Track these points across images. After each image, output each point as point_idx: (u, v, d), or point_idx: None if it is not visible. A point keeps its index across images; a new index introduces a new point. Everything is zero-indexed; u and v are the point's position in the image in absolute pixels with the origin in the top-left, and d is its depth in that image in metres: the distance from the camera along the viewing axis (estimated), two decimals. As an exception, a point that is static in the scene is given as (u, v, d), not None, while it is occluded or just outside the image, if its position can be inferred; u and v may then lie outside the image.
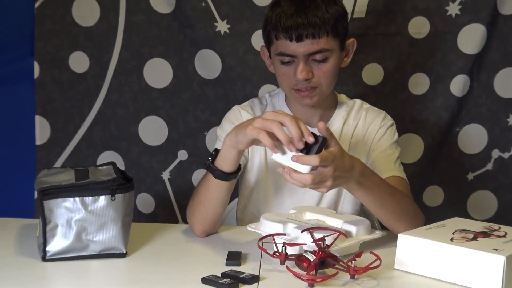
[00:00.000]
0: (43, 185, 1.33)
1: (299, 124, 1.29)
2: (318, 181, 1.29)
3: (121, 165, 2.14)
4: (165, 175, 2.17)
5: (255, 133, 1.31)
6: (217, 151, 1.46)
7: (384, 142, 1.68)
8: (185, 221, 2.14)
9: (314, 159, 1.26)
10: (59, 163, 2.15)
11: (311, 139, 1.28)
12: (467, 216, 2.18)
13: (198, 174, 2.16)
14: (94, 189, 1.32)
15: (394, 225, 1.50)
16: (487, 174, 2.17)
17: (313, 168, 1.28)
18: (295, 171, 1.28)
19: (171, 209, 2.20)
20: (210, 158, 1.46)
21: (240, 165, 1.47)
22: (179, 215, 2.20)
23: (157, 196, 2.18)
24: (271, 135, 1.30)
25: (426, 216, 1.59)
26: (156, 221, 2.19)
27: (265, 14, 1.62)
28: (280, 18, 1.55)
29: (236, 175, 1.47)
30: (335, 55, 1.58)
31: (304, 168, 1.28)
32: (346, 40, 1.63)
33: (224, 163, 1.44)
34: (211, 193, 1.50)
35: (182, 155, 2.17)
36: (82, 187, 1.32)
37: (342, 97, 1.76)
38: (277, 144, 1.31)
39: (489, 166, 2.17)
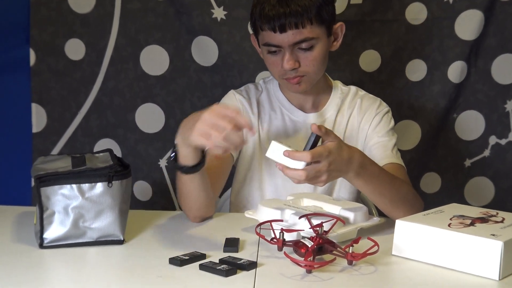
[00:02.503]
0: (40, 172, 1.33)
1: (229, 112, 1.27)
2: (313, 176, 1.29)
3: (118, 153, 2.14)
4: (162, 163, 2.17)
5: (202, 142, 1.27)
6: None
7: (380, 129, 1.67)
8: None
9: (306, 155, 1.26)
10: (55, 150, 2.15)
11: (307, 158, 1.27)
12: (464, 202, 2.17)
13: (195, 162, 2.16)
14: (91, 176, 1.32)
15: (393, 213, 1.50)
16: (484, 160, 2.18)
17: (308, 164, 1.28)
18: (289, 168, 1.28)
19: (168, 197, 2.19)
20: (172, 156, 1.42)
21: (204, 152, 1.40)
22: (176, 202, 2.19)
23: (154, 184, 2.17)
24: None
25: (421, 199, 1.59)
26: (153, 208, 2.18)
27: (252, 4, 1.62)
28: (263, 8, 1.55)
29: (203, 164, 1.41)
30: (321, 42, 1.58)
31: (297, 164, 1.28)
32: (334, 24, 1.62)
33: (185, 159, 1.39)
34: (187, 186, 1.47)
35: (179, 142, 2.16)
36: (79, 174, 1.32)
37: (337, 83, 1.76)
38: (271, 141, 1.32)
39: (486, 152, 2.17)
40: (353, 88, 1.75)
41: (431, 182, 2.19)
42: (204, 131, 1.26)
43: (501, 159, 2.17)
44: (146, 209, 2.13)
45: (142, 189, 2.17)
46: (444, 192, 2.19)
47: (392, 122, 1.71)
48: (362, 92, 1.75)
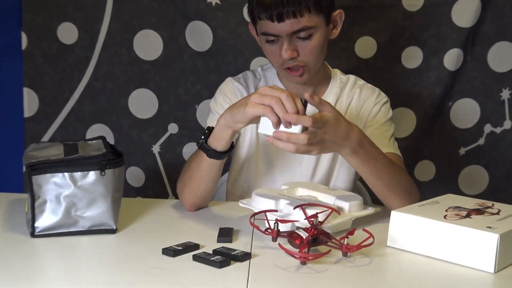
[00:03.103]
0: (31, 160, 1.31)
1: (295, 102, 1.28)
2: (309, 143, 1.28)
3: (110, 139, 2.13)
4: (155, 149, 2.15)
5: (259, 110, 1.30)
6: (210, 129, 1.44)
7: (378, 119, 1.66)
8: (175, 195, 2.13)
9: (307, 119, 1.26)
10: (47, 135, 2.13)
11: (308, 122, 1.26)
12: (458, 191, 2.18)
13: (188, 148, 2.14)
14: (83, 164, 1.30)
15: (388, 199, 1.49)
16: (479, 149, 2.17)
17: (303, 130, 1.28)
18: (285, 134, 1.27)
19: (161, 183, 2.18)
20: (203, 137, 1.44)
21: (233, 143, 1.45)
22: (169, 188, 2.18)
23: (147, 170, 2.16)
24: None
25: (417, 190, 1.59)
26: (146, 194, 2.17)
27: None
28: None
29: (228, 153, 1.45)
30: (320, 30, 1.55)
31: (295, 130, 1.27)
32: (333, 12, 1.60)
33: (218, 142, 1.42)
34: (202, 171, 1.48)
35: (173, 128, 2.14)
36: (71, 162, 1.30)
37: (336, 71, 1.74)
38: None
39: (481, 141, 2.16)
40: (352, 77, 1.74)
41: (426, 170, 2.18)
42: (260, 100, 1.30)
43: (496, 148, 2.16)
44: (138, 195, 2.14)
45: (135, 175, 2.16)
46: (438, 180, 2.18)
47: (391, 113, 1.70)
48: (361, 82, 1.74)
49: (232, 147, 1.46)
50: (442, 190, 2.15)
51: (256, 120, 1.34)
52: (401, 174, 1.52)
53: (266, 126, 1.31)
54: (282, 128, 1.28)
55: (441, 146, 2.17)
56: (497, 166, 2.17)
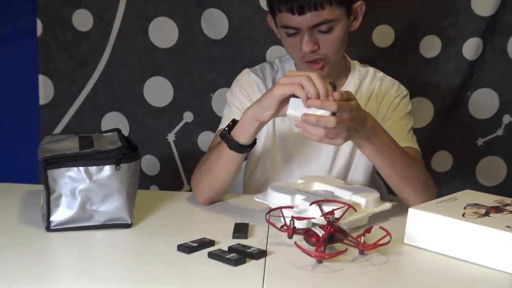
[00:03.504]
0: (47, 153, 1.30)
1: (325, 82, 1.28)
2: (338, 129, 1.27)
3: (125, 126, 2.12)
4: (170, 137, 2.15)
5: (287, 88, 1.30)
6: (234, 121, 1.43)
7: (398, 112, 1.64)
8: (190, 184, 2.14)
9: (332, 104, 1.25)
10: (63, 123, 2.12)
11: (336, 95, 1.27)
12: (475, 182, 2.16)
13: (204, 137, 2.13)
14: (98, 159, 1.29)
15: (403, 191, 1.47)
16: (497, 139, 2.14)
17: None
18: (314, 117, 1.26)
19: (176, 172, 2.17)
20: (226, 128, 1.42)
21: (255, 139, 1.43)
22: (184, 177, 2.18)
23: (162, 158, 2.15)
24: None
25: (434, 181, 1.56)
26: (160, 183, 2.17)
27: None
28: None
29: (250, 148, 1.44)
30: (341, 23, 1.53)
31: (324, 113, 1.27)
32: (354, 3, 1.57)
33: (242, 135, 1.40)
34: (222, 163, 1.47)
35: (188, 116, 2.13)
36: (86, 156, 1.29)
37: (355, 63, 1.71)
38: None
39: (500, 131, 2.14)
40: (371, 69, 1.71)
41: (443, 160, 2.16)
42: (288, 80, 1.31)
43: (515, 139, 2.14)
44: (153, 184, 2.14)
45: (150, 164, 2.15)
46: (456, 171, 2.16)
47: (410, 106, 1.67)
48: (380, 74, 1.71)
49: (255, 143, 1.44)
50: (459, 181, 2.15)
51: (283, 107, 1.34)
52: (416, 166, 1.50)
53: (295, 107, 1.31)
54: (311, 111, 1.27)
55: (458, 137, 2.14)
56: (516, 157, 2.15)
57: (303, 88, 1.29)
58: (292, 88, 1.29)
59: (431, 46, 2.07)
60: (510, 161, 2.15)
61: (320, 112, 1.27)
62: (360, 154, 1.57)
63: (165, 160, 2.16)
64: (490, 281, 1.13)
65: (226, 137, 1.42)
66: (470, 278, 1.14)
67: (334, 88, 1.31)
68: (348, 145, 1.63)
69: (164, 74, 2.10)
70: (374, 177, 1.77)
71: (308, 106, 1.28)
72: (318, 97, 1.28)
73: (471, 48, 2.05)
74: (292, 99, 1.32)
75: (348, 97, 1.30)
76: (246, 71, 1.72)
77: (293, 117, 1.32)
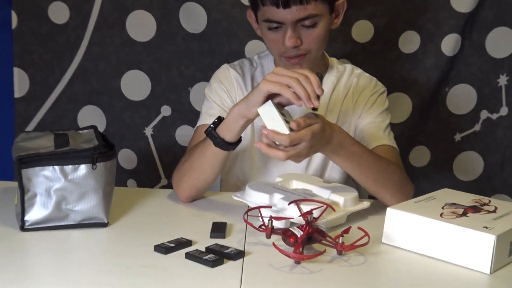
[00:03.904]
0: (21, 151, 1.28)
1: (311, 81, 1.28)
2: (293, 156, 1.27)
3: (102, 121, 2.10)
4: (148, 131, 2.13)
5: (274, 87, 1.28)
6: (220, 118, 1.41)
7: (374, 110, 1.63)
8: (168, 178, 2.13)
9: (285, 138, 1.25)
10: (38, 116, 2.10)
11: (293, 125, 1.26)
12: (453, 177, 2.17)
13: (181, 131, 2.12)
14: (74, 158, 1.27)
15: (378, 193, 1.48)
16: (475, 135, 2.15)
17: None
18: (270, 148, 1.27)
19: (153, 166, 2.16)
20: (212, 125, 1.41)
21: (241, 136, 1.42)
22: (162, 171, 2.16)
23: (139, 152, 2.14)
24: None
25: (411, 177, 1.57)
26: (138, 177, 2.15)
27: None
28: None
29: (235, 146, 1.42)
30: (324, 19, 1.52)
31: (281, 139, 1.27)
32: (336, 1, 1.56)
33: (228, 132, 1.39)
34: (206, 160, 1.45)
35: (166, 110, 2.11)
36: (62, 155, 1.27)
37: (333, 60, 1.70)
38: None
39: (477, 127, 2.15)
40: (348, 66, 1.70)
41: (421, 155, 2.17)
42: (276, 79, 1.29)
43: (492, 134, 2.15)
44: (131, 178, 2.11)
45: (127, 158, 2.13)
46: (433, 166, 2.17)
47: (387, 103, 1.67)
48: (358, 71, 1.70)
49: (240, 140, 1.43)
50: (437, 176, 2.16)
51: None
52: (390, 168, 1.49)
53: (266, 112, 1.30)
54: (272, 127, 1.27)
55: (436, 132, 2.15)
56: (493, 153, 2.16)
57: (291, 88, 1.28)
58: (279, 88, 1.28)
59: (410, 42, 2.07)
60: (487, 156, 2.17)
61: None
62: None
63: (142, 154, 2.14)
64: (467, 281, 1.13)
65: (211, 134, 1.40)
66: (448, 278, 1.14)
67: (321, 78, 1.31)
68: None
69: (142, 68, 2.08)
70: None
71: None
72: (308, 98, 1.27)
73: (450, 44, 2.05)
74: (269, 102, 1.30)
75: (310, 123, 1.28)
76: (225, 67, 1.70)
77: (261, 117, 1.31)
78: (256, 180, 1.66)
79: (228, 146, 1.41)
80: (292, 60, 1.54)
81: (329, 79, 1.67)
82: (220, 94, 1.65)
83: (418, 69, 2.08)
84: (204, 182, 1.49)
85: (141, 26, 2.05)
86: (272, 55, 1.64)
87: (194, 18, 2.03)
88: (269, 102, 1.30)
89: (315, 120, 1.29)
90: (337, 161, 1.41)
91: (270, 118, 1.28)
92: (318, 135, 1.28)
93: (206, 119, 1.62)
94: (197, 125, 1.66)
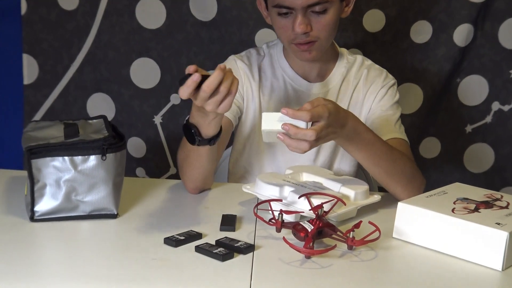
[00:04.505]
0: (31, 141, 1.27)
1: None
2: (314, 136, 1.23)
3: (111, 108, 2.09)
4: (157, 119, 2.12)
5: (188, 90, 1.18)
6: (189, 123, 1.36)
7: (385, 102, 1.62)
8: (177, 166, 2.11)
9: (305, 114, 1.21)
10: (47, 103, 2.09)
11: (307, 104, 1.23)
12: (463, 169, 2.15)
13: (191, 119, 2.10)
14: (84, 148, 1.26)
15: (389, 185, 1.46)
16: (486, 126, 2.14)
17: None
18: (294, 129, 1.22)
19: (162, 154, 2.15)
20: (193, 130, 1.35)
21: (221, 127, 1.36)
22: (171, 160, 2.15)
23: (148, 141, 2.13)
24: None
25: (421, 168, 1.56)
26: (147, 165, 2.15)
27: None
28: None
29: (218, 138, 1.36)
30: (335, 6, 1.50)
31: (301, 123, 1.23)
32: None
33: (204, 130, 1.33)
34: (195, 157, 1.43)
35: (175, 99, 2.10)
36: (72, 146, 1.26)
37: (343, 51, 1.69)
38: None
39: (488, 118, 2.13)
40: (359, 57, 1.69)
41: (431, 147, 2.15)
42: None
43: (503, 126, 2.13)
44: (139, 166, 2.11)
45: (136, 146, 2.13)
46: (443, 157, 2.16)
47: (398, 96, 1.65)
48: (368, 62, 1.69)
49: (221, 130, 1.37)
50: (447, 168, 2.14)
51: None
52: (402, 160, 1.47)
53: (269, 123, 1.26)
54: (287, 119, 1.23)
55: (447, 123, 2.13)
56: (504, 145, 2.14)
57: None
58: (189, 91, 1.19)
59: (422, 32, 2.05)
60: (498, 148, 2.15)
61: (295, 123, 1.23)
62: None
63: (151, 143, 2.13)
64: (478, 278, 1.13)
65: (188, 136, 1.35)
66: (459, 274, 1.14)
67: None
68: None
69: (151, 56, 2.07)
70: (365, 170, 1.76)
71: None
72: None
73: (462, 34, 2.03)
74: (264, 114, 1.27)
75: (319, 103, 1.26)
76: (232, 58, 1.68)
77: (269, 132, 1.26)
78: (264, 170, 1.65)
79: (210, 141, 1.35)
80: (301, 46, 1.52)
81: (338, 70, 1.65)
82: None
83: (429, 60, 2.06)
84: (203, 175, 1.47)
85: (150, 13, 2.03)
86: (281, 42, 1.62)
87: (204, 6, 2.01)
88: (265, 114, 1.27)
89: (324, 102, 1.27)
90: (351, 150, 1.39)
91: (276, 123, 1.25)
92: (333, 114, 1.26)
93: None
94: None
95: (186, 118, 1.35)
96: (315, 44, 1.52)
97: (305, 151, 1.24)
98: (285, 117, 1.23)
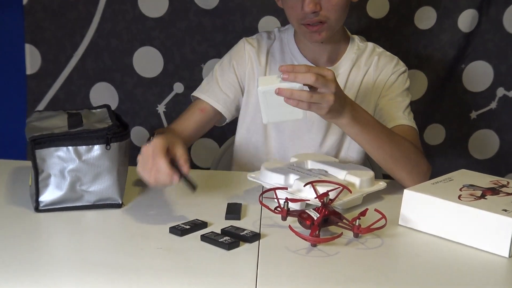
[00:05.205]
0: (34, 132, 1.27)
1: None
2: (317, 101, 1.22)
3: (115, 98, 2.08)
4: (161, 108, 2.11)
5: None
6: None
7: (394, 89, 1.61)
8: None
9: (305, 66, 1.20)
10: (51, 93, 2.08)
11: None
12: (468, 155, 2.15)
13: (194, 108, 2.10)
14: (88, 138, 1.26)
15: (394, 171, 1.45)
16: (491, 112, 2.13)
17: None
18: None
19: (166, 143, 2.14)
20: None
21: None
22: (175, 149, 2.14)
23: (152, 130, 2.12)
24: None
25: (426, 155, 1.55)
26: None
27: None
28: None
29: None
30: None
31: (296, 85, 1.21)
32: None
33: None
34: None
35: (178, 87, 2.09)
36: (76, 136, 1.26)
37: (355, 37, 1.67)
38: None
39: (493, 104, 2.12)
40: (370, 44, 1.67)
41: (436, 133, 2.14)
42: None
43: (508, 112, 2.12)
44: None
45: (140, 135, 2.12)
46: (448, 144, 2.15)
47: (408, 83, 1.64)
48: (379, 49, 1.67)
49: None
50: (452, 154, 2.14)
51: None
52: (405, 145, 1.45)
53: (265, 83, 1.23)
54: (284, 84, 1.21)
55: (452, 110, 2.12)
56: (509, 131, 2.14)
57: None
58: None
59: (426, 18, 2.04)
60: (503, 135, 2.14)
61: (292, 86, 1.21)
62: None
63: (155, 132, 2.12)
64: (485, 265, 1.12)
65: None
66: (465, 261, 1.13)
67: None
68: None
69: (154, 45, 2.06)
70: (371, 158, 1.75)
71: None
72: None
73: (466, 19, 2.02)
74: (260, 77, 1.26)
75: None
76: (242, 40, 1.69)
77: (265, 93, 1.22)
78: (271, 156, 1.64)
79: None
80: (311, 27, 1.51)
81: (348, 56, 1.64)
82: (224, 69, 1.66)
83: (434, 46, 2.05)
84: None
85: (153, 1, 2.02)
86: (291, 24, 1.60)
87: (206, -6, 2.00)
88: (261, 77, 1.28)
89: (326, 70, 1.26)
90: (356, 132, 1.36)
91: (275, 81, 1.22)
92: (335, 80, 1.24)
93: (200, 92, 1.67)
94: (193, 94, 1.69)
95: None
96: (325, 25, 1.51)
97: (330, 104, 1.22)
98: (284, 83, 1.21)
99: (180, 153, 1.24)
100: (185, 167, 1.22)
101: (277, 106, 1.23)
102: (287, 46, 1.65)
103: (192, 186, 1.22)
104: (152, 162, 1.20)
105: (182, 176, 1.22)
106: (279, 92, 1.20)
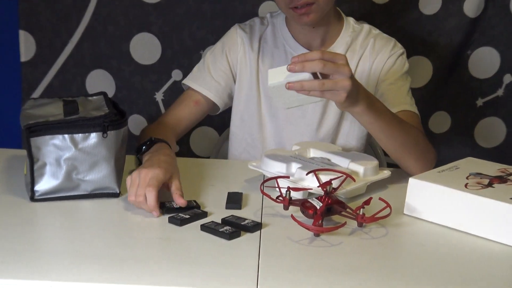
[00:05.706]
0: (30, 119, 1.23)
1: None
2: (331, 88, 1.18)
3: (111, 85, 2.04)
4: (159, 96, 2.07)
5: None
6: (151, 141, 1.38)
7: (394, 72, 1.57)
8: (178, 144, 2.08)
9: (317, 52, 1.16)
10: (46, 81, 2.04)
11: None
12: (474, 143, 2.12)
13: (193, 95, 2.06)
14: (84, 126, 1.22)
15: (403, 159, 1.42)
16: (497, 100, 2.09)
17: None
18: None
19: (165, 131, 2.11)
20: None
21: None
22: (174, 137, 2.11)
23: (150, 118, 2.09)
24: None
25: (431, 143, 1.51)
26: (149, 143, 2.10)
27: None
28: None
29: None
30: None
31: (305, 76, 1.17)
32: None
33: None
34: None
35: (177, 75, 2.06)
36: (72, 124, 1.22)
37: (349, 20, 1.63)
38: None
39: (500, 91, 2.08)
40: (366, 26, 1.63)
41: (441, 121, 2.11)
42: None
43: (515, 99, 2.09)
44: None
45: (137, 123, 2.08)
46: (454, 132, 2.12)
47: (407, 65, 1.60)
48: (376, 31, 1.63)
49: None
50: (457, 142, 2.11)
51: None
52: (414, 132, 1.43)
53: (275, 77, 1.20)
54: (292, 76, 1.17)
55: (457, 97, 2.09)
56: (516, 118, 2.10)
57: None
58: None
59: (431, 2, 2.00)
60: (510, 122, 2.11)
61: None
62: (353, 118, 1.51)
63: (153, 120, 2.06)
64: (492, 254, 1.09)
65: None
66: (472, 250, 1.10)
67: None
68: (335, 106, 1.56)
69: (152, 31, 2.02)
70: (373, 143, 1.72)
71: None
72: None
73: (472, 4, 1.98)
74: (270, 70, 1.22)
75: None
76: (235, 26, 1.67)
77: (276, 87, 1.20)
78: (267, 143, 1.61)
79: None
80: (299, 10, 1.47)
81: (343, 39, 1.60)
82: (216, 56, 1.64)
83: (439, 31, 2.02)
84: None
85: (150, -14, 1.98)
86: (281, 10, 1.57)
87: (205, -22, 1.96)
88: (270, 70, 1.22)
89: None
90: (369, 121, 1.32)
91: (285, 74, 1.19)
92: (348, 65, 1.19)
93: (191, 80, 1.64)
94: (184, 82, 1.67)
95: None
96: (313, 6, 1.47)
97: (348, 89, 1.18)
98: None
99: (176, 186, 1.24)
100: (180, 201, 1.21)
101: (291, 95, 1.20)
102: (279, 31, 1.63)
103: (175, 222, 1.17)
104: (143, 189, 1.18)
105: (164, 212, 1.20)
106: (289, 87, 1.17)
